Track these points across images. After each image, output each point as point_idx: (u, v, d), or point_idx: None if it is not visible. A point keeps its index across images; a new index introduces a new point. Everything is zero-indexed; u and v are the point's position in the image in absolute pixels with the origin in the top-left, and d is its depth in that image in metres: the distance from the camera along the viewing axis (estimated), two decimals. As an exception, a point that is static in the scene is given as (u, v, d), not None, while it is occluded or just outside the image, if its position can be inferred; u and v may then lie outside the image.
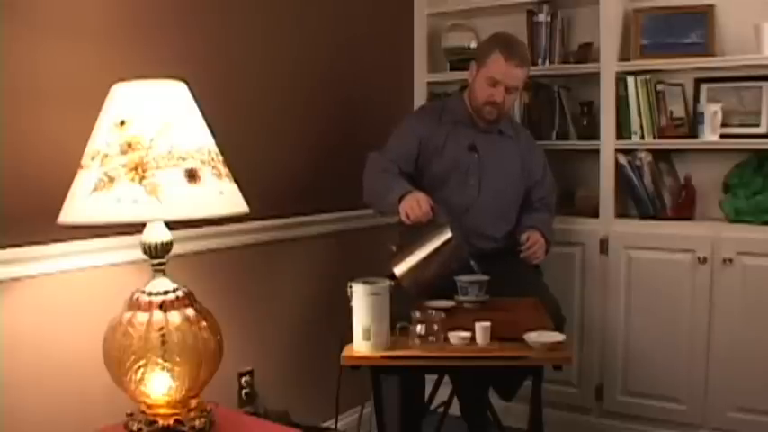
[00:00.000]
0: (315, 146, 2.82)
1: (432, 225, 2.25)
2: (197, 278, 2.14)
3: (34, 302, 1.88)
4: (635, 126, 2.88)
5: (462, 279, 2.28)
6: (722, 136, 2.75)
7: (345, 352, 1.99)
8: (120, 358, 1.64)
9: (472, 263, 2.30)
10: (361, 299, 1.96)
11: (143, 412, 1.70)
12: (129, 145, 1.60)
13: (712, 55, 2.81)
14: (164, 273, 1.73)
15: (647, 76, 2.87)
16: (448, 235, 2.19)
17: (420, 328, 2.00)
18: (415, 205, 2.26)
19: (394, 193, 2.33)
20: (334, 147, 2.89)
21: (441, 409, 2.59)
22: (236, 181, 1.77)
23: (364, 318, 1.96)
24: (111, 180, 1.58)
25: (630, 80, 2.87)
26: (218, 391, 2.04)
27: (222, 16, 2.42)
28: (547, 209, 2.70)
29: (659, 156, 2.92)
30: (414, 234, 2.27)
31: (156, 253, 1.71)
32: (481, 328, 1.99)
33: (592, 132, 2.99)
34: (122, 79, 1.69)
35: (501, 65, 2.47)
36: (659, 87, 2.88)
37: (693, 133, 2.83)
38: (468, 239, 2.49)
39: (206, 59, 2.34)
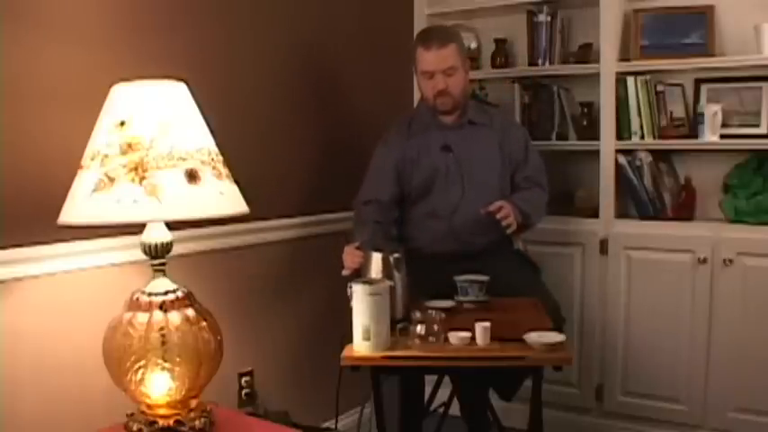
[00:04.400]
0: (314, 146, 2.82)
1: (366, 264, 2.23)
2: (197, 278, 2.14)
3: (36, 302, 1.88)
4: (635, 126, 2.88)
5: (462, 279, 2.28)
6: (722, 136, 2.75)
7: (345, 352, 1.99)
8: (120, 358, 1.64)
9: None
10: (361, 299, 1.96)
11: (143, 412, 1.71)
12: (130, 145, 1.60)
13: (712, 55, 2.81)
14: (164, 273, 1.73)
15: (647, 77, 2.87)
16: (378, 255, 2.18)
17: (420, 328, 2.00)
18: (347, 258, 2.29)
19: None
20: (334, 147, 2.89)
21: (441, 410, 2.59)
22: (236, 181, 1.77)
23: (364, 318, 1.96)
24: (112, 180, 1.58)
25: (630, 80, 2.87)
26: (218, 391, 2.04)
27: (222, 16, 2.42)
28: (535, 185, 2.62)
29: (659, 156, 2.92)
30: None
31: (156, 253, 1.71)
32: (481, 328, 1.99)
33: (592, 133, 2.99)
34: (122, 79, 1.70)
35: (424, 55, 2.49)
36: (659, 88, 2.88)
37: (693, 134, 2.83)
38: (460, 239, 2.50)
39: (206, 59, 2.34)
